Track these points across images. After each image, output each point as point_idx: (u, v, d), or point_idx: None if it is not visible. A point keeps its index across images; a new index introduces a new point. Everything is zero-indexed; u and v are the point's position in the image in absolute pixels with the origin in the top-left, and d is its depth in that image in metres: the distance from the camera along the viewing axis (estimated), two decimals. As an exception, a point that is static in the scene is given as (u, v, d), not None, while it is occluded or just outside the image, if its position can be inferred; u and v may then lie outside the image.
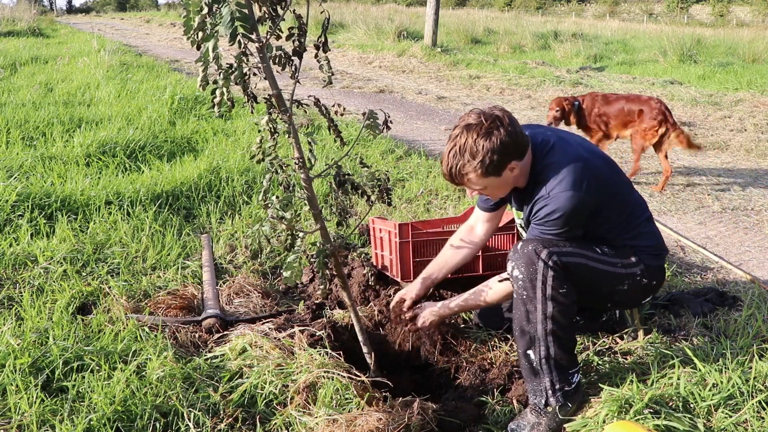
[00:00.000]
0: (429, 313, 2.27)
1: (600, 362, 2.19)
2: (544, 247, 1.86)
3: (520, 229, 2.23)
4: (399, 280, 2.71)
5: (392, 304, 2.38)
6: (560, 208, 1.88)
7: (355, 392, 1.92)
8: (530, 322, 1.86)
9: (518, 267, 1.87)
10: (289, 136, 1.75)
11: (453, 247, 2.39)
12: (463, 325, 2.51)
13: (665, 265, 2.18)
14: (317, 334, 2.27)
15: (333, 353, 2.14)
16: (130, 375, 1.95)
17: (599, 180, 1.94)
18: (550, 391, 1.88)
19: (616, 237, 2.03)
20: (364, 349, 2.15)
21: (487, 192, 2.04)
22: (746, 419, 1.78)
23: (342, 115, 1.82)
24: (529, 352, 1.88)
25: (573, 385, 1.91)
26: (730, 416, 1.78)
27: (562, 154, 1.94)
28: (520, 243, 1.91)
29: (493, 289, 2.11)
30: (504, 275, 2.03)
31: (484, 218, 2.35)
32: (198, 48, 1.51)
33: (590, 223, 1.98)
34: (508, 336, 2.41)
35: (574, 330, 1.94)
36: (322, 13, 1.69)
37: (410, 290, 2.35)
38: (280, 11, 1.63)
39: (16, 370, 1.92)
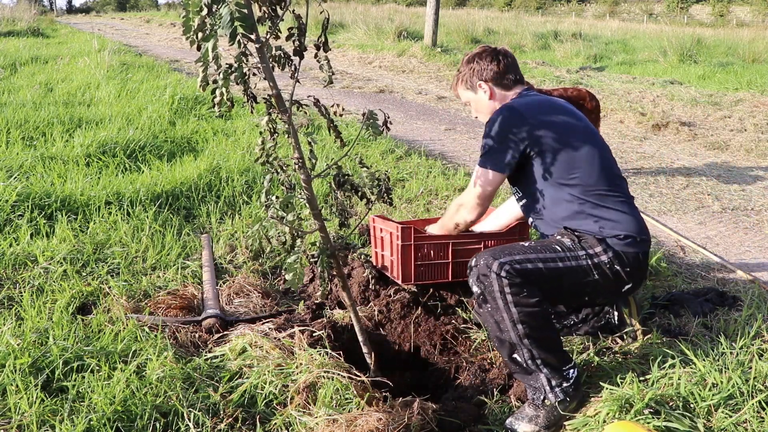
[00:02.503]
0: None
1: (600, 362, 2.19)
2: (495, 258, 1.87)
3: None
4: (399, 282, 2.70)
5: None
6: (495, 116, 2.10)
7: (355, 392, 1.91)
8: (503, 331, 1.88)
9: (476, 283, 1.92)
10: (288, 137, 1.75)
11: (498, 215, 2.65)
12: (463, 325, 2.51)
13: (648, 256, 2.14)
14: (317, 334, 2.27)
15: (333, 353, 2.14)
16: (130, 375, 1.95)
17: (561, 123, 2.07)
18: (547, 387, 1.88)
19: (584, 204, 2.02)
20: (364, 349, 2.16)
21: (473, 109, 2.38)
22: (746, 419, 1.78)
23: (341, 115, 1.82)
24: (515, 356, 1.89)
25: (571, 381, 1.91)
26: (730, 416, 1.78)
27: (538, 97, 2.18)
28: (474, 259, 1.94)
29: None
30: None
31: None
32: (198, 48, 1.51)
33: (557, 171, 2.04)
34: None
35: (551, 330, 1.92)
36: (321, 13, 1.69)
37: None
38: (280, 11, 1.63)
39: (16, 370, 1.92)
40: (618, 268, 2.00)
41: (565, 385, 1.89)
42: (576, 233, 2.02)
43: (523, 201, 2.21)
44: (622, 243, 2.00)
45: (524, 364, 1.89)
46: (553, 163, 2.03)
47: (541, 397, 1.89)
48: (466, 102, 2.39)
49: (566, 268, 1.95)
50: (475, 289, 1.92)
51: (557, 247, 1.97)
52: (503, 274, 1.85)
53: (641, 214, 2.13)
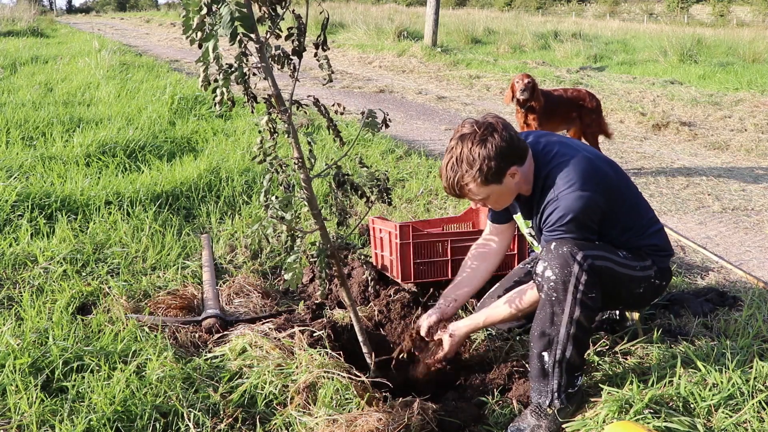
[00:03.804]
0: (450, 343, 2.15)
1: (600, 362, 2.19)
2: (580, 249, 1.83)
3: (530, 238, 2.21)
4: (399, 281, 2.71)
5: (422, 330, 2.20)
6: (570, 210, 1.86)
7: (355, 392, 1.91)
8: (554, 325, 1.84)
9: (552, 267, 1.83)
10: (288, 136, 1.75)
11: (472, 268, 2.29)
12: (463, 325, 2.51)
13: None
14: (317, 334, 2.27)
15: (333, 353, 2.14)
16: (130, 375, 1.95)
17: (606, 182, 1.95)
18: (556, 393, 1.88)
19: (631, 239, 2.04)
20: (364, 349, 2.15)
21: (490, 202, 2.01)
22: (746, 419, 1.78)
23: (342, 114, 1.82)
24: (544, 354, 1.87)
25: (576, 388, 1.92)
26: (730, 416, 1.78)
27: (568, 158, 1.94)
28: (554, 243, 1.87)
29: (501, 307, 2.09)
30: (530, 284, 2.00)
31: (498, 231, 2.30)
32: (200, 46, 1.51)
33: (604, 228, 1.98)
34: (509, 336, 2.41)
35: (590, 335, 1.98)
36: (321, 13, 1.69)
37: (441, 313, 2.20)
38: (280, 11, 1.63)
39: (16, 370, 1.92)
40: (658, 282, 2.06)
41: (570, 391, 1.90)
42: (629, 245, 2.04)
43: None
44: (661, 258, 2.08)
45: (545, 365, 1.87)
46: (610, 223, 2.00)
47: (547, 402, 1.89)
48: (483, 198, 1.97)
49: (626, 275, 1.97)
50: (548, 273, 1.83)
51: (619, 252, 1.97)
52: (586, 266, 1.82)
53: None
